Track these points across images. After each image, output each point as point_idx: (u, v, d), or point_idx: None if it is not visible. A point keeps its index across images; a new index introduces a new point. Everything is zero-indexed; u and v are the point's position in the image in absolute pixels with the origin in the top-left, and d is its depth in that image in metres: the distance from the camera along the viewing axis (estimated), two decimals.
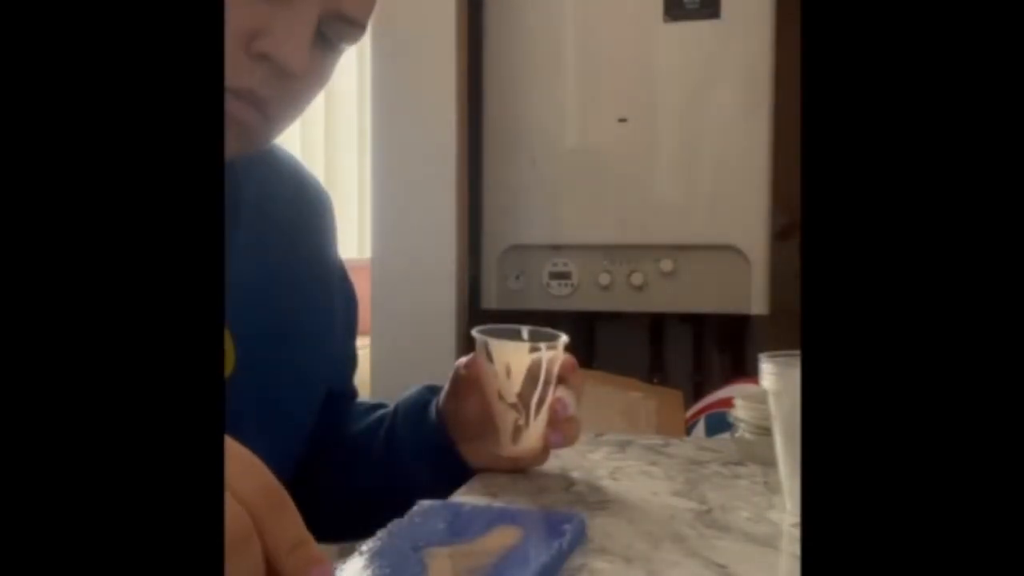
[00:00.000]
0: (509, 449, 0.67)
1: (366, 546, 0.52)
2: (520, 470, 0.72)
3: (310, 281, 0.76)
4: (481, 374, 0.67)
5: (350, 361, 0.85)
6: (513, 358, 0.65)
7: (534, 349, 0.66)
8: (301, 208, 0.78)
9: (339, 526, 0.73)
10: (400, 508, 0.63)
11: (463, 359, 0.71)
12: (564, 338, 0.68)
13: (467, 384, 0.70)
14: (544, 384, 0.66)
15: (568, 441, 0.69)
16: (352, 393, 0.85)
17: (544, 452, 0.70)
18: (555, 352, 0.67)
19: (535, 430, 0.67)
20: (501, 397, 0.66)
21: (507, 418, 0.66)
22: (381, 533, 0.54)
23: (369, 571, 0.48)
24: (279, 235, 0.73)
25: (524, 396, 0.66)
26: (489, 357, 0.66)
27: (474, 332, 0.67)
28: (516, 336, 0.68)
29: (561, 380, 0.68)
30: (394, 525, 0.56)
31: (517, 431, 0.67)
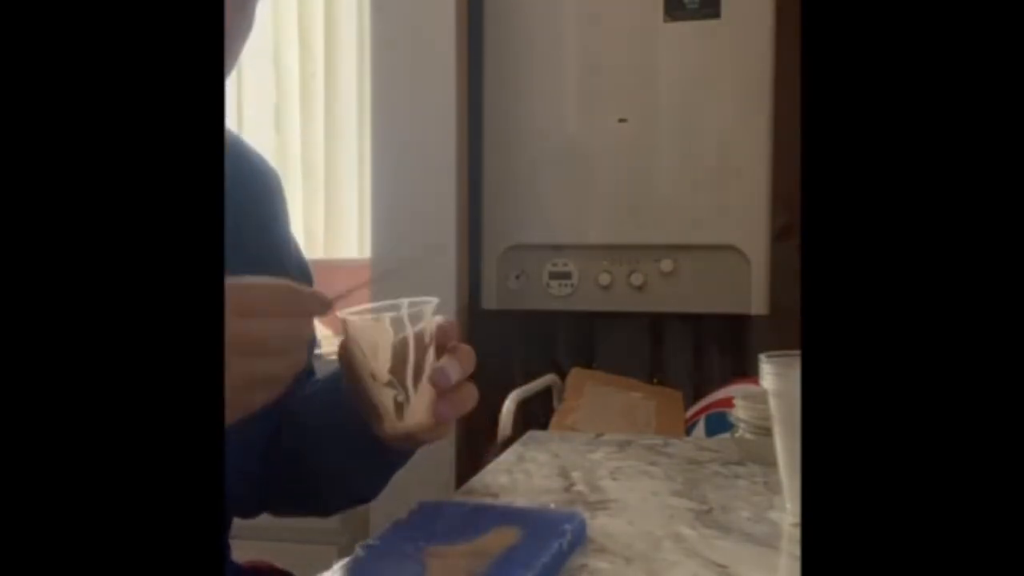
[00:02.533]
0: (394, 427, 0.63)
1: (366, 545, 0.52)
2: (416, 447, 0.69)
3: (260, 257, 0.75)
4: (350, 358, 0.63)
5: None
6: (376, 335, 0.62)
7: (395, 321, 0.61)
8: (243, 183, 0.76)
9: (293, 494, 0.77)
10: (320, 476, 0.67)
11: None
12: (432, 302, 0.64)
13: (347, 369, 0.66)
14: (416, 355, 0.62)
15: (458, 410, 0.64)
16: (309, 368, 0.83)
17: (441, 426, 0.65)
18: (423, 322, 0.63)
19: (419, 404, 0.63)
20: (375, 377, 0.62)
21: (386, 397, 0.62)
22: (381, 533, 0.54)
23: (369, 571, 0.48)
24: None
25: (397, 371, 0.62)
26: (354, 339, 0.62)
27: (341, 314, 0.63)
28: (395, 310, 0.63)
29: (442, 348, 0.64)
30: (394, 525, 0.56)
31: (399, 408, 0.62)
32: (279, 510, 0.80)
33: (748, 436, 0.80)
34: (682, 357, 1.84)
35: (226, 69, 0.61)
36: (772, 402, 0.63)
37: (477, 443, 1.51)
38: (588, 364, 1.76)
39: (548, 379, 1.49)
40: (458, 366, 0.64)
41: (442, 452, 1.47)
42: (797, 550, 0.55)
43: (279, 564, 0.86)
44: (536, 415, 1.42)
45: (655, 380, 1.76)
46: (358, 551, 0.51)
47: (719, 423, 1.32)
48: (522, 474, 0.75)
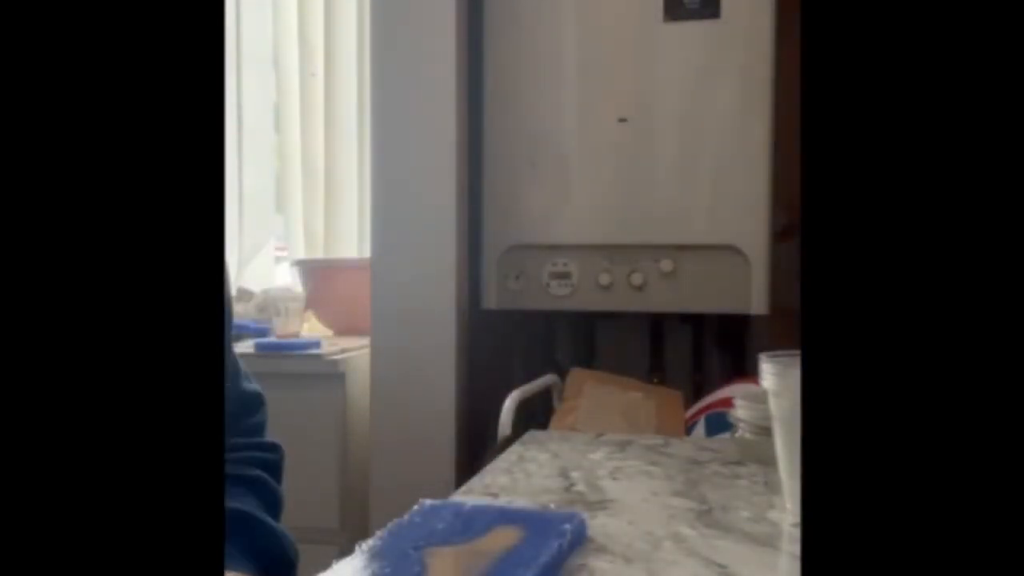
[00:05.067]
0: None
1: (366, 545, 0.52)
2: None
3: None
4: None
5: (230, 367, 0.83)
6: None
7: None
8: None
9: None
10: None
11: None
12: None
13: None
14: None
15: None
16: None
17: None
18: None
19: None
20: None
21: None
22: (381, 533, 0.54)
23: (369, 570, 0.48)
24: None
25: None
26: None
27: None
28: None
29: None
30: (394, 525, 0.56)
31: None
32: None
33: (748, 436, 0.80)
34: (682, 357, 1.84)
35: None
36: (772, 402, 0.63)
37: (477, 443, 1.51)
38: (588, 364, 1.76)
39: (548, 379, 1.49)
40: None
41: (442, 452, 1.47)
42: (797, 550, 0.54)
43: None
44: (536, 415, 1.42)
45: (655, 380, 1.76)
46: (358, 551, 0.51)
47: (719, 423, 1.32)
48: (522, 474, 0.75)
